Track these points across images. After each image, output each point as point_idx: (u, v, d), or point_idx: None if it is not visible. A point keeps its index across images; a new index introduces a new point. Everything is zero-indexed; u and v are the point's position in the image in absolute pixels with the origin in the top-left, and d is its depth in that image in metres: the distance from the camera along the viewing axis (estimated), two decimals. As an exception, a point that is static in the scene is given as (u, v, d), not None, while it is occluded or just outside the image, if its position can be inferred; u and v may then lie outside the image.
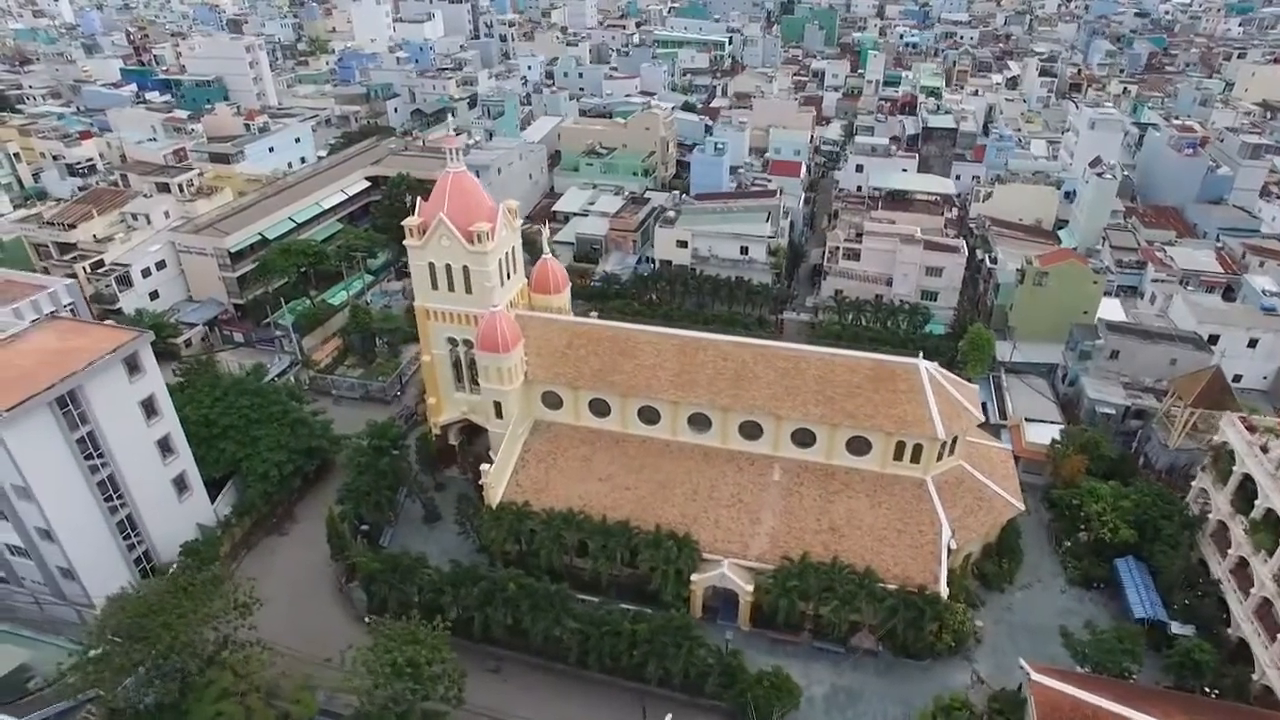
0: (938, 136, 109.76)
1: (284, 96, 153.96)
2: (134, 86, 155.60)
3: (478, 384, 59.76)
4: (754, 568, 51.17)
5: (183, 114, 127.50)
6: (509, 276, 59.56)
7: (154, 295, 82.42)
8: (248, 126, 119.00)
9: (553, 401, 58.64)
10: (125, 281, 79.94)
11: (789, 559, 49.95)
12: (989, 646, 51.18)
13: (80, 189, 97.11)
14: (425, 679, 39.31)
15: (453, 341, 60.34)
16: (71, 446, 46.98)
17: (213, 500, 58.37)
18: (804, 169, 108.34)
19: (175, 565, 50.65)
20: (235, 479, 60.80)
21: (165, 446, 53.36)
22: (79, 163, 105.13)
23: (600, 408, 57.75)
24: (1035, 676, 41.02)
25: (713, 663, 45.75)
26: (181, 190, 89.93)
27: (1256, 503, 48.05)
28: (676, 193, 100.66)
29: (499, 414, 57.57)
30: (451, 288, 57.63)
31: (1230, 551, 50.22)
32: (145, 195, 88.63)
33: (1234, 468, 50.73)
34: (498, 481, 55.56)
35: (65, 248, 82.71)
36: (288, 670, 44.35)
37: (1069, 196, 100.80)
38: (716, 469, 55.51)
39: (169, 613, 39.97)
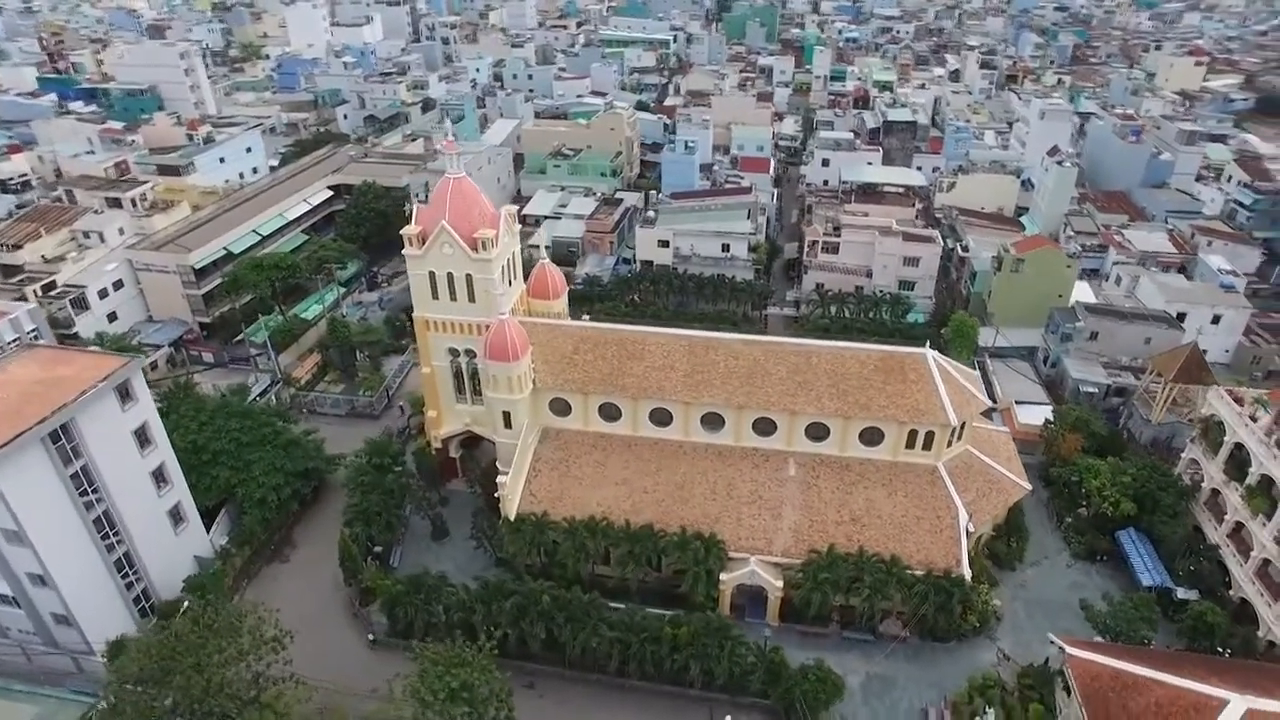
0: (898, 130, 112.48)
1: (223, 105, 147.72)
2: (54, 96, 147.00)
3: (479, 394, 58.64)
4: (780, 563, 51.41)
5: (117, 125, 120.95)
6: (510, 283, 58.37)
7: (112, 317, 77.89)
8: (190, 137, 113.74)
9: (560, 408, 57.71)
10: (81, 304, 75.29)
11: (816, 552, 50.35)
12: (1008, 624, 52.65)
13: (18, 207, 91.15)
14: (478, 702, 38.17)
15: (454, 352, 58.80)
16: (65, 483, 43.96)
17: (207, 530, 55.53)
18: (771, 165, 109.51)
19: (186, 603, 47.96)
20: (228, 506, 57.99)
21: (160, 476, 50.45)
22: (11, 178, 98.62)
23: (610, 411, 57.06)
24: (1071, 650, 42.35)
25: (754, 661, 45.78)
26: (135, 205, 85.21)
27: (1250, 470, 50.68)
28: (654, 193, 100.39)
29: (507, 424, 56.36)
30: (454, 297, 56.10)
31: (1226, 517, 52.88)
32: (96, 211, 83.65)
33: (1224, 438, 53.43)
34: (513, 492, 54.39)
35: (10, 270, 77.46)
36: (326, 704, 42.41)
37: (1026, 185, 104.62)
38: (733, 467, 55.52)
39: (197, 653, 37.73)
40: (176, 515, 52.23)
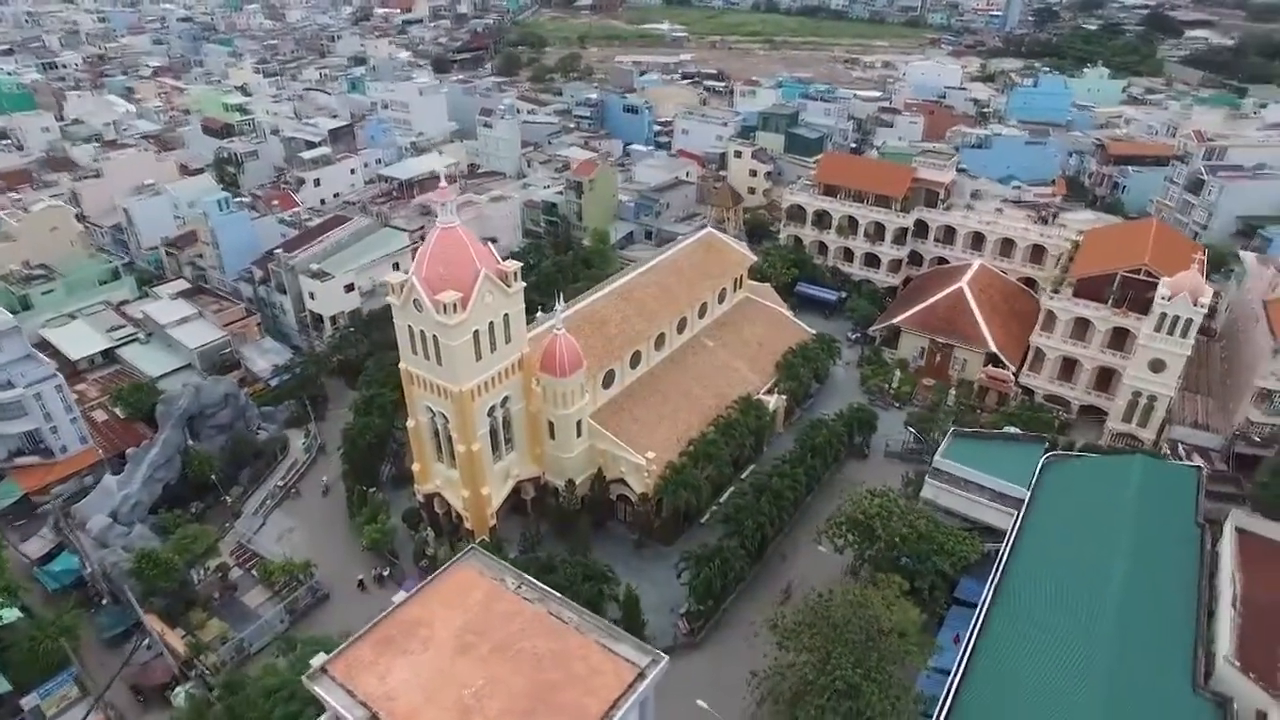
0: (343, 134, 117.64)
1: None
2: None
3: (509, 443, 57.20)
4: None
5: None
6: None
7: None
8: None
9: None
10: None
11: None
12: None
13: None
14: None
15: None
16: None
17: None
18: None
19: None
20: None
21: None
22: None
23: (607, 378, 63.38)
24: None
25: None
26: None
27: (832, 219, 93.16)
28: (214, 271, 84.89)
29: (579, 432, 58.08)
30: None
31: (830, 250, 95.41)
32: None
33: (804, 212, 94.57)
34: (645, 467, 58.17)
35: None
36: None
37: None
38: (677, 370, 68.90)
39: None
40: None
